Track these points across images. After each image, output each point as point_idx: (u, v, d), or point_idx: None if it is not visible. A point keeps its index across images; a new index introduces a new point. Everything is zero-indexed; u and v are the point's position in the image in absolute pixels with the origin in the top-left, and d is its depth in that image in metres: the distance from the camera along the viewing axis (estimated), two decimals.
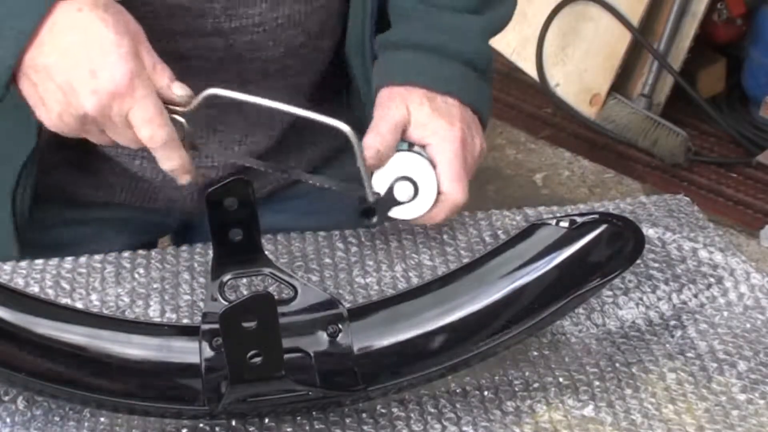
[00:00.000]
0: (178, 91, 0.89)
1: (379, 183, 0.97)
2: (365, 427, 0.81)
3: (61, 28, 0.85)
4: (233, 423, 0.81)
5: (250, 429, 0.81)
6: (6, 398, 0.83)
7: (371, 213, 0.98)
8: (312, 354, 0.84)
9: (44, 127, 0.91)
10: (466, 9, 1.06)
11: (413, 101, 0.99)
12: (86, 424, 0.82)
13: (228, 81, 0.95)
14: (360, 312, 0.87)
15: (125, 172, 1.09)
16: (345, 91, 1.14)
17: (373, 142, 0.96)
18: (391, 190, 0.97)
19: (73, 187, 1.09)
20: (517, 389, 0.85)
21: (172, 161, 0.90)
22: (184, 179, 0.92)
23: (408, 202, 0.97)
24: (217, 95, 0.90)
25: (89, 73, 0.85)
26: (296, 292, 0.86)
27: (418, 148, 0.98)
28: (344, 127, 0.92)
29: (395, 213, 0.98)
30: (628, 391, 0.85)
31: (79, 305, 0.92)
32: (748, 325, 0.92)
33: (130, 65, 0.85)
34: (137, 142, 0.89)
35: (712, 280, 0.97)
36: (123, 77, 0.85)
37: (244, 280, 0.94)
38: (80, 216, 1.11)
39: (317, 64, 1.10)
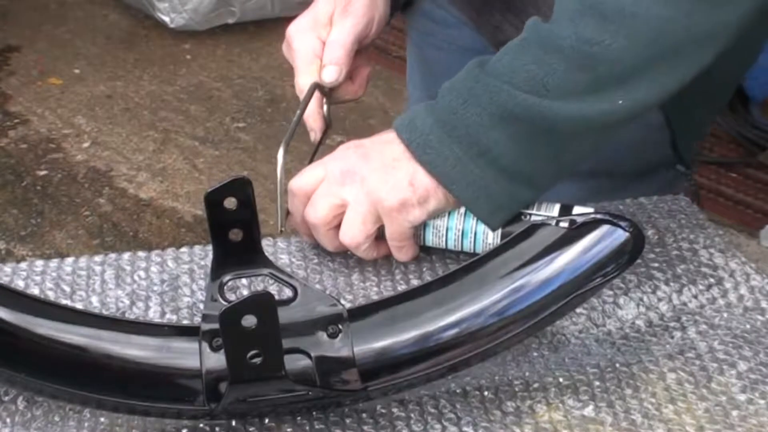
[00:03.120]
0: None
1: None
2: (365, 427, 0.81)
3: None
4: (233, 423, 0.81)
5: (250, 429, 0.81)
6: (6, 398, 0.83)
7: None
8: (312, 354, 0.84)
9: None
10: (526, 88, 0.89)
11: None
12: (86, 424, 0.82)
13: None
14: (360, 312, 0.87)
15: None
16: None
17: None
18: None
19: None
20: (517, 389, 0.85)
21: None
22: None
23: None
24: None
25: None
26: (296, 292, 0.86)
27: None
28: None
29: None
30: (628, 391, 0.85)
31: (79, 307, 0.92)
32: (748, 326, 0.92)
33: None
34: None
35: (712, 281, 0.97)
36: None
37: (244, 281, 0.94)
38: None
39: None
